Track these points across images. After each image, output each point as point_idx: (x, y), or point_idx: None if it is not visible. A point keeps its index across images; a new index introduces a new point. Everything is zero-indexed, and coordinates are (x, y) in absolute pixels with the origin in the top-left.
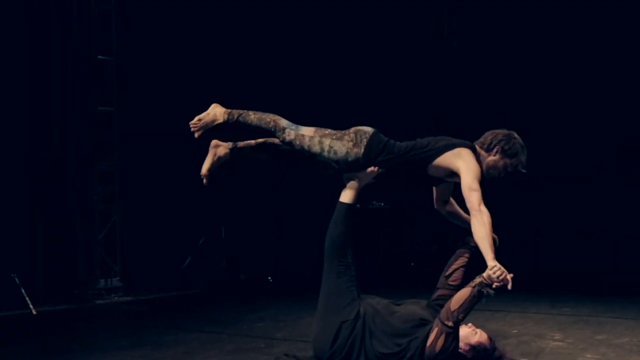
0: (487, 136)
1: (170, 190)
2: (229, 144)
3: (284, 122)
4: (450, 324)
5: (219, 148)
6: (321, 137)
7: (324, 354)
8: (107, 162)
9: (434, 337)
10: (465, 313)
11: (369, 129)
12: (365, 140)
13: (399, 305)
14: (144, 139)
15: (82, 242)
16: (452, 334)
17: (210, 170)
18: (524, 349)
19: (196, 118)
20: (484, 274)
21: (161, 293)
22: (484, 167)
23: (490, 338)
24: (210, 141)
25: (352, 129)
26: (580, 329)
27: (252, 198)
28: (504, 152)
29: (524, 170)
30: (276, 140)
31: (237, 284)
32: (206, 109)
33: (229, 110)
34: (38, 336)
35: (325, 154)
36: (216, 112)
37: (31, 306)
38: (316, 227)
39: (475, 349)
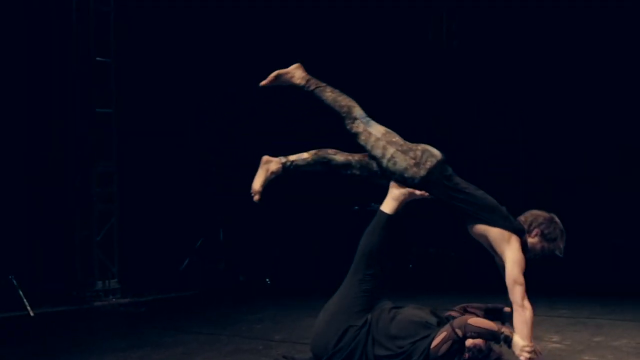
0: (528, 217)
1: (168, 192)
2: (281, 159)
3: (357, 112)
4: (460, 333)
5: (270, 164)
6: (387, 142)
7: (325, 352)
8: (105, 164)
9: (441, 340)
10: (477, 336)
11: (437, 154)
12: (429, 164)
13: (400, 308)
14: (142, 140)
15: (80, 243)
16: (458, 343)
17: (262, 186)
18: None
19: (275, 72)
20: (516, 343)
21: (160, 294)
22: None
23: (485, 340)
24: (261, 157)
25: (420, 147)
26: (578, 331)
27: (250, 200)
28: (543, 236)
29: (560, 255)
30: (329, 153)
31: (235, 286)
32: (205, 109)
33: (309, 77)
34: (36, 338)
35: (384, 161)
36: (296, 73)
37: (29, 308)
38: (315, 229)
39: (470, 350)
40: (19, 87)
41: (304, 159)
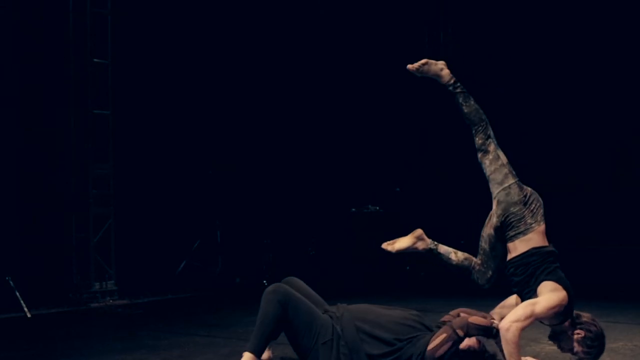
0: (587, 315)
1: (165, 194)
2: (432, 243)
3: (491, 131)
4: (461, 333)
5: (420, 242)
6: (509, 171)
7: None
8: (102, 166)
9: (440, 342)
10: (479, 334)
11: (541, 202)
12: (533, 206)
13: (389, 309)
14: (139, 142)
15: (77, 245)
16: (458, 343)
17: (399, 252)
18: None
19: (424, 60)
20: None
21: (156, 296)
22: (558, 329)
23: (479, 341)
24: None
25: (530, 190)
26: None
27: (247, 202)
28: (583, 339)
29: None
30: (475, 262)
31: (232, 288)
32: (203, 110)
33: (453, 78)
34: (33, 339)
35: (500, 188)
36: (444, 72)
37: (26, 309)
38: (311, 231)
39: (464, 352)
40: (15, 88)
41: (451, 258)
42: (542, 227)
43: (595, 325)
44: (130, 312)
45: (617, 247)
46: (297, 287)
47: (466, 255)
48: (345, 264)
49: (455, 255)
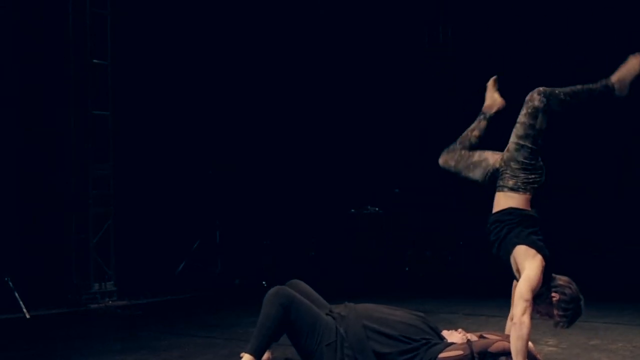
0: (564, 278)
1: (165, 195)
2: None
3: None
4: (477, 357)
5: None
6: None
7: None
8: (102, 166)
9: (454, 356)
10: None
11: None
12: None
13: (395, 309)
14: (139, 143)
15: (76, 246)
16: None
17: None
18: None
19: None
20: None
21: (155, 297)
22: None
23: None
24: None
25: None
26: (574, 334)
27: (247, 203)
28: (558, 302)
29: (563, 326)
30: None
31: (231, 289)
32: (203, 111)
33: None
34: (32, 340)
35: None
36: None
37: (25, 310)
38: (311, 231)
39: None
40: (15, 89)
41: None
42: (528, 196)
43: (571, 288)
44: (130, 313)
45: (616, 248)
46: (300, 290)
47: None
48: (345, 265)
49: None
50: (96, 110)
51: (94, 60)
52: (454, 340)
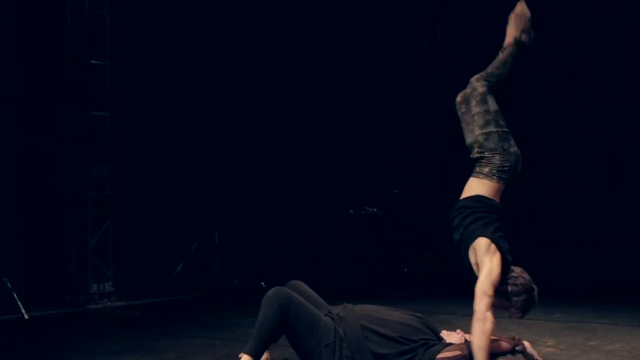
0: (518, 271)
1: (163, 196)
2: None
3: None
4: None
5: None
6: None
7: None
8: (100, 167)
9: (452, 356)
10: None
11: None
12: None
13: (394, 310)
14: (137, 143)
15: (74, 247)
16: None
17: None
18: (517, 356)
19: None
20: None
21: (154, 298)
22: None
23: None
24: None
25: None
26: (573, 335)
27: (245, 204)
28: (511, 295)
29: (518, 316)
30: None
31: (230, 290)
32: (202, 111)
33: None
34: (30, 340)
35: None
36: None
37: (23, 311)
38: (310, 232)
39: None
40: (13, 90)
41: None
42: (501, 186)
43: (524, 278)
44: (128, 314)
45: (615, 248)
46: (299, 291)
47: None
48: (344, 265)
49: None
50: (95, 111)
51: (93, 61)
52: (453, 341)
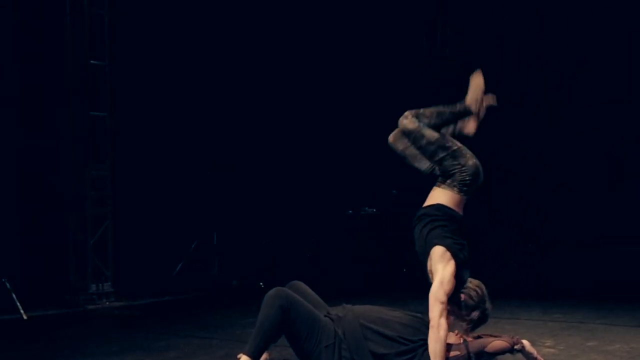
0: (474, 283)
1: (162, 195)
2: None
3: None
4: (473, 357)
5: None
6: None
7: None
8: (99, 167)
9: (450, 356)
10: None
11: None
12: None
13: (393, 310)
14: (136, 143)
15: (74, 247)
16: None
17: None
18: (515, 355)
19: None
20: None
21: (153, 298)
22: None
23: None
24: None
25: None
26: (572, 335)
27: (244, 204)
28: (464, 306)
29: (469, 330)
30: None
31: (229, 290)
32: (201, 111)
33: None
34: (29, 341)
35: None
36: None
37: (22, 311)
38: (308, 232)
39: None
40: (13, 90)
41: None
42: (462, 197)
43: (478, 292)
44: (127, 314)
45: (614, 248)
46: (299, 291)
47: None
48: (343, 265)
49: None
50: (94, 111)
51: (92, 61)
52: (451, 342)
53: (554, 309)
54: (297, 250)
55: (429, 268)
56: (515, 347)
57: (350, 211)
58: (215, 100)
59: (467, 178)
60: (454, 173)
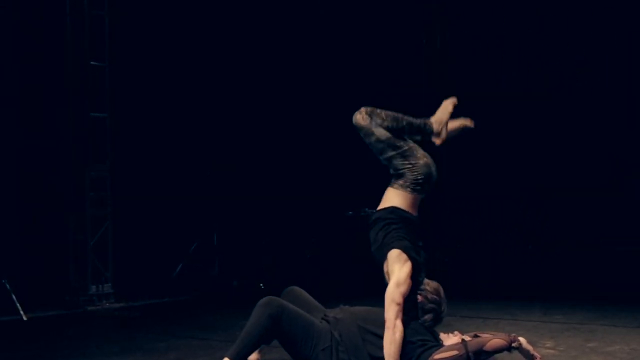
0: (431, 285)
1: (162, 196)
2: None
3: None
4: (472, 356)
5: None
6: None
7: None
8: (99, 168)
9: (449, 356)
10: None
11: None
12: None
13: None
14: (136, 144)
15: (74, 248)
16: None
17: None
18: (515, 356)
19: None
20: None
21: (153, 299)
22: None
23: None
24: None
25: (422, 163)
26: (572, 336)
27: (244, 205)
28: (421, 308)
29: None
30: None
31: (229, 291)
32: (201, 112)
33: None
34: (29, 342)
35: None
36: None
37: (22, 312)
38: (308, 233)
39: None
40: (13, 91)
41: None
42: (415, 197)
43: (434, 294)
44: (127, 315)
45: (615, 249)
46: (296, 297)
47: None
48: (343, 266)
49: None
50: (94, 111)
51: (92, 62)
52: (450, 342)
53: (554, 309)
54: (297, 250)
55: (385, 270)
56: (513, 344)
57: (350, 212)
58: (215, 101)
59: (418, 177)
60: (404, 172)
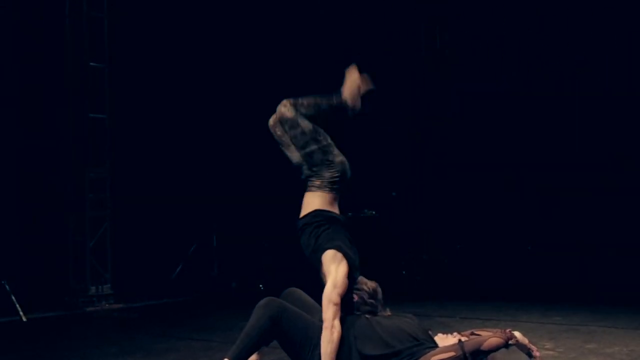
0: (369, 285)
1: (161, 198)
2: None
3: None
4: (469, 357)
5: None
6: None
7: None
8: (98, 169)
9: (446, 357)
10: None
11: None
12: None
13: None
14: (136, 146)
15: (73, 249)
16: None
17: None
18: (515, 357)
19: None
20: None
21: (152, 300)
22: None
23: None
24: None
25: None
26: (571, 338)
27: (244, 206)
28: (356, 306)
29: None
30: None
31: (228, 292)
32: (200, 113)
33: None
34: (29, 342)
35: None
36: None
37: (21, 313)
38: None
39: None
40: (13, 91)
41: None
42: (334, 196)
43: (370, 293)
44: (126, 316)
45: (614, 250)
46: (294, 298)
47: None
48: None
49: None
50: (93, 113)
51: (91, 64)
52: (448, 342)
53: (554, 311)
54: (297, 251)
55: (322, 271)
56: (510, 342)
57: (350, 213)
58: (214, 102)
59: (335, 175)
60: (322, 169)
